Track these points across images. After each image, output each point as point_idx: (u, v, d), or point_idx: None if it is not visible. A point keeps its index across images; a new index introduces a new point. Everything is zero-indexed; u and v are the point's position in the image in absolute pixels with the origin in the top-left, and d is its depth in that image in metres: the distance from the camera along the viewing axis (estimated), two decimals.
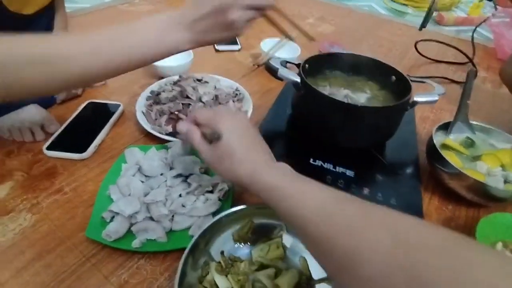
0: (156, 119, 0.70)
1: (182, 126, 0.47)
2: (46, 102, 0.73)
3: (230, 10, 0.46)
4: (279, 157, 0.60)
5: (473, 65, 0.98)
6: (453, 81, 0.97)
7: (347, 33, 1.24)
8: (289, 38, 0.65)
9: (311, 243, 0.32)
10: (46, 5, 0.74)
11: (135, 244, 0.47)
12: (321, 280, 0.43)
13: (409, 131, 0.71)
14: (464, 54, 1.01)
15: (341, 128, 0.60)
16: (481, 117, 0.84)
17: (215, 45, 1.05)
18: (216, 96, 0.75)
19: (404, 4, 1.57)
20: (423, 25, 0.89)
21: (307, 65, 0.66)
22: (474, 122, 0.65)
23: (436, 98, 0.60)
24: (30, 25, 0.72)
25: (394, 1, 1.61)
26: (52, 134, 0.65)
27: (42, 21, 0.76)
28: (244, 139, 0.43)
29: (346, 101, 0.62)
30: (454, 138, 0.64)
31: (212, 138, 0.43)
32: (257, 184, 0.38)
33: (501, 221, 0.51)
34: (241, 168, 0.40)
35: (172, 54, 0.50)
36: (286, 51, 0.97)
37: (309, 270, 0.44)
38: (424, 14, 0.95)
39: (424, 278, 0.22)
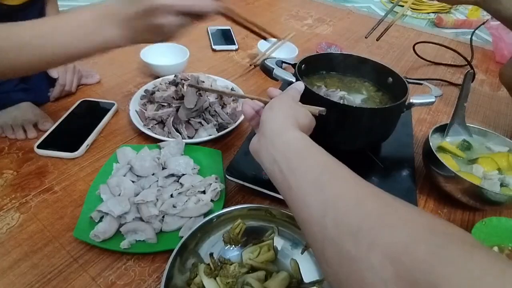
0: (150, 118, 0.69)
1: (246, 109, 0.47)
2: (40, 99, 0.72)
3: (159, 14, 0.44)
4: None
5: (471, 67, 0.98)
6: (451, 83, 0.96)
7: (345, 34, 1.23)
8: (263, 38, 0.66)
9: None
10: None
11: (124, 245, 0.46)
12: (312, 284, 0.42)
13: (405, 133, 0.70)
14: (462, 56, 1.01)
15: (336, 129, 0.59)
16: (479, 120, 0.84)
17: (212, 44, 1.04)
18: (221, 96, 0.75)
19: (403, 6, 1.56)
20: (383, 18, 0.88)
21: (303, 66, 0.65)
22: (471, 125, 0.65)
23: (433, 100, 0.59)
24: (16, 17, 0.70)
25: (393, 3, 1.61)
26: (45, 132, 0.65)
27: (30, 13, 0.74)
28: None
29: (341, 102, 0.61)
30: (450, 141, 0.63)
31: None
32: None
33: (497, 225, 0.51)
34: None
35: (107, 50, 0.47)
36: (284, 52, 0.97)
37: (300, 273, 0.43)
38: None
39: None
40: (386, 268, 0.22)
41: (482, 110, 0.88)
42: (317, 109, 0.46)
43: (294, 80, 0.59)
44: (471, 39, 1.11)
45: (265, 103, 0.45)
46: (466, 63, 1.01)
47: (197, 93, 0.68)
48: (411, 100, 0.58)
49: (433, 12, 1.50)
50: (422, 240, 0.23)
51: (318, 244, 0.28)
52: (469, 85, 0.63)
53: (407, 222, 0.25)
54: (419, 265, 0.21)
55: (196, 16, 0.47)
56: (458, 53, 1.03)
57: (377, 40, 0.85)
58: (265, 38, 0.67)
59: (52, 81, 0.73)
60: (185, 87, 0.73)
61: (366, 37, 0.85)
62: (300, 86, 0.49)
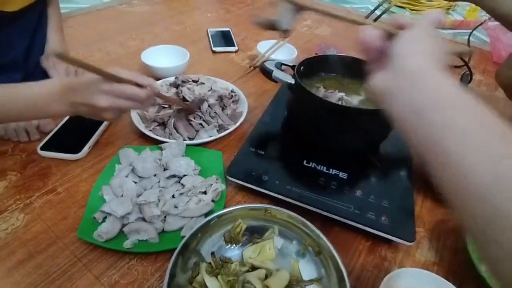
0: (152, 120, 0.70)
1: (370, 33, 0.36)
2: None
3: (104, 112, 0.52)
4: (273, 159, 0.61)
5: (469, 68, 0.99)
6: None
7: (344, 35, 1.24)
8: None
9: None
10: (31, 2, 0.72)
11: (127, 244, 0.47)
12: (311, 281, 0.43)
13: None
14: (460, 57, 1.02)
15: (334, 130, 0.60)
16: None
17: (212, 46, 1.05)
18: (221, 97, 0.76)
19: (401, 7, 1.57)
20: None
21: (302, 67, 0.66)
22: None
23: None
24: (14, 23, 0.70)
25: (391, 4, 1.61)
26: (47, 134, 0.65)
27: (29, 19, 0.75)
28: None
29: (340, 103, 0.62)
30: None
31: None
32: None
33: None
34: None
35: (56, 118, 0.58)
36: (283, 53, 0.97)
37: (299, 272, 0.44)
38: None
39: None
40: None
41: None
42: (460, 48, 0.36)
43: (293, 81, 0.60)
44: (468, 39, 1.12)
45: (390, 33, 0.35)
46: (464, 64, 1.02)
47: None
48: None
49: None
50: None
51: (484, 223, 0.23)
52: (465, 86, 0.64)
53: None
54: None
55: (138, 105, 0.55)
56: (456, 54, 1.04)
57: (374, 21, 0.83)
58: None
59: None
60: (184, 89, 0.74)
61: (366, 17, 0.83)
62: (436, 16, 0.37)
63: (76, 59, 0.48)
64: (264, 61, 0.66)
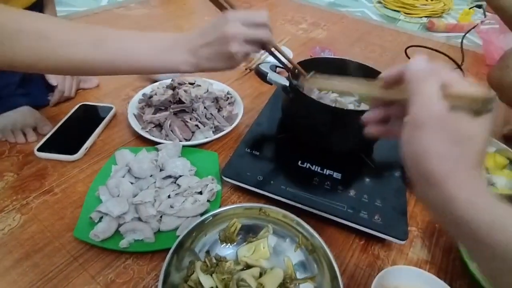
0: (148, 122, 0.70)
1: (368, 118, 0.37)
2: (39, 103, 0.74)
3: (231, 43, 0.47)
4: (268, 160, 0.62)
5: (461, 71, 1.00)
6: None
7: (339, 38, 1.25)
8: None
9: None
10: (29, 5, 0.73)
11: (123, 244, 0.47)
12: (304, 279, 0.43)
13: None
14: (452, 60, 1.03)
15: (328, 132, 0.61)
16: None
17: None
18: (216, 99, 0.77)
19: (396, 11, 1.59)
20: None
21: (296, 70, 0.67)
22: None
23: None
24: None
25: (386, 8, 1.64)
26: (44, 136, 0.66)
27: None
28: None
29: (334, 105, 0.63)
30: None
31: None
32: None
33: None
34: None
35: (170, 73, 0.51)
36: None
37: (293, 270, 0.44)
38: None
39: None
40: None
41: None
42: (478, 97, 0.27)
43: (287, 84, 0.61)
44: (461, 42, 1.14)
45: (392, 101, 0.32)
46: (457, 66, 1.04)
47: None
48: None
49: (425, 17, 1.53)
50: None
51: None
52: None
53: None
54: None
55: (260, 45, 0.51)
56: (448, 57, 1.05)
57: None
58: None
59: (52, 85, 0.75)
60: (181, 91, 0.75)
61: None
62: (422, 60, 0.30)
63: None
64: (259, 64, 0.67)
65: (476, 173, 0.27)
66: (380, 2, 1.68)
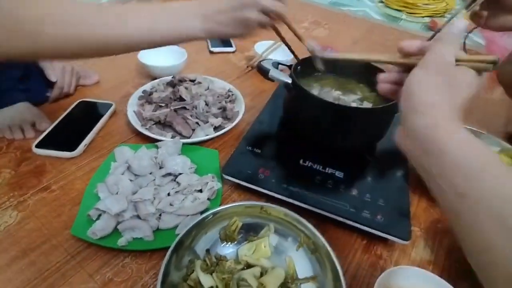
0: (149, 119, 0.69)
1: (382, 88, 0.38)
2: (38, 99, 0.73)
3: (248, 9, 0.49)
4: (269, 158, 0.61)
5: None
6: None
7: (341, 37, 1.25)
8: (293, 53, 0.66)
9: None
10: None
11: (121, 242, 0.47)
12: (306, 279, 0.43)
13: None
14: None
15: (331, 129, 0.60)
16: (473, 122, 0.85)
17: (210, 46, 1.05)
18: (218, 97, 0.76)
19: (398, 10, 1.58)
20: None
21: (299, 67, 0.66)
22: (464, 126, 0.66)
23: None
24: None
25: (388, 7, 1.63)
26: (42, 133, 0.65)
27: None
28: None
29: (336, 103, 0.62)
30: None
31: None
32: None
33: None
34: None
35: (185, 40, 0.51)
36: (280, 54, 0.98)
37: (294, 269, 0.43)
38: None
39: None
40: None
41: (477, 112, 0.89)
42: (485, 59, 0.32)
43: (289, 81, 0.60)
44: (464, 42, 1.13)
45: (407, 66, 0.34)
46: None
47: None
48: None
49: (427, 16, 1.52)
50: None
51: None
52: None
53: None
54: None
55: (274, 17, 0.53)
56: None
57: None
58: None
59: (51, 82, 0.74)
60: (181, 88, 0.74)
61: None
62: (460, 26, 0.33)
63: None
64: (261, 61, 0.66)
65: (459, 115, 0.30)
66: (382, 2, 1.67)
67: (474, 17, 0.56)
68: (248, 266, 0.43)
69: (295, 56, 0.66)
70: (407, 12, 1.56)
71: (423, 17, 1.53)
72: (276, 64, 0.66)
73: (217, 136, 0.68)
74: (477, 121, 0.85)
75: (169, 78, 0.81)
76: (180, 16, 0.49)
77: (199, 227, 0.44)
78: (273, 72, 0.61)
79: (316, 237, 0.43)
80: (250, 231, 0.47)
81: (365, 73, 0.69)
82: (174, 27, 0.49)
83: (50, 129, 0.66)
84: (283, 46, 1.00)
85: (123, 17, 0.46)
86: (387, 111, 0.60)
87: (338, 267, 0.39)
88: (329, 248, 0.41)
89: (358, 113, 0.59)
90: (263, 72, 0.64)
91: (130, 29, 0.46)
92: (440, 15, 1.53)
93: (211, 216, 0.45)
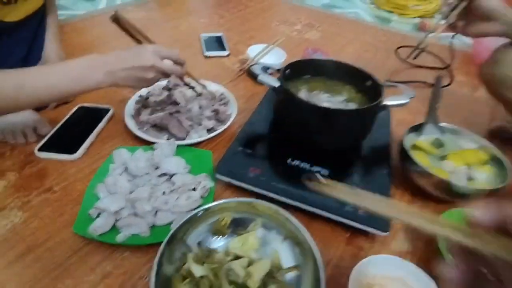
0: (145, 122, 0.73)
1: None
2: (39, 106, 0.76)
3: (149, 71, 0.59)
4: (259, 157, 0.65)
5: (448, 71, 1.03)
6: (432, 85, 1.01)
7: (333, 39, 1.28)
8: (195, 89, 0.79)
9: None
10: (32, 13, 0.76)
11: (120, 238, 0.50)
12: (290, 269, 0.46)
13: (384, 133, 0.74)
14: (441, 60, 1.06)
15: (317, 130, 0.64)
16: (457, 120, 0.88)
17: (205, 51, 1.09)
18: (211, 100, 0.80)
19: (389, 12, 1.61)
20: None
21: (287, 70, 0.69)
22: (444, 124, 0.69)
23: (406, 101, 0.64)
24: (13, 33, 0.74)
25: (380, 9, 1.66)
26: (44, 137, 0.69)
27: (28, 29, 0.78)
28: None
29: (321, 105, 0.66)
30: (424, 139, 0.68)
31: None
32: None
33: (461, 216, 0.55)
34: None
35: (93, 90, 0.59)
36: (272, 57, 1.01)
37: (279, 260, 0.47)
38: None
39: None
40: None
41: (461, 110, 0.92)
42: None
43: (277, 84, 0.63)
44: (451, 42, 1.16)
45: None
46: (447, 65, 1.06)
47: None
48: (385, 102, 0.63)
49: (417, 17, 1.56)
50: None
51: None
52: (439, 88, 0.68)
53: None
54: None
55: (167, 75, 0.65)
56: (437, 57, 1.08)
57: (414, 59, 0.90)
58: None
59: None
60: (176, 92, 0.77)
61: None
62: None
63: (130, 23, 0.61)
64: (251, 65, 0.70)
65: None
66: (373, 3, 1.71)
67: (452, 27, 0.67)
68: (237, 258, 0.47)
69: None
70: (398, 14, 1.59)
71: (413, 17, 1.57)
72: (265, 69, 0.70)
73: (211, 138, 0.72)
74: (462, 119, 0.89)
75: (164, 82, 0.84)
76: (83, 74, 0.56)
77: (191, 222, 0.47)
78: (262, 77, 0.65)
79: (299, 230, 0.46)
80: (239, 225, 0.51)
81: (352, 76, 0.73)
82: (77, 85, 0.57)
83: (51, 133, 0.69)
84: (276, 48, 1.04)
85: (22, 87, 0.53)
86: (368, 111, 0.63)
87: (318, 257, 0.43)
88: (309, 239, 0.45)
89: (342, 114, 0.63)
90: (253, 76, 0.68)
91: (31, 96, 0.55)
92: (430, 15, 1.57)
93: (202, 212, 0.48)
